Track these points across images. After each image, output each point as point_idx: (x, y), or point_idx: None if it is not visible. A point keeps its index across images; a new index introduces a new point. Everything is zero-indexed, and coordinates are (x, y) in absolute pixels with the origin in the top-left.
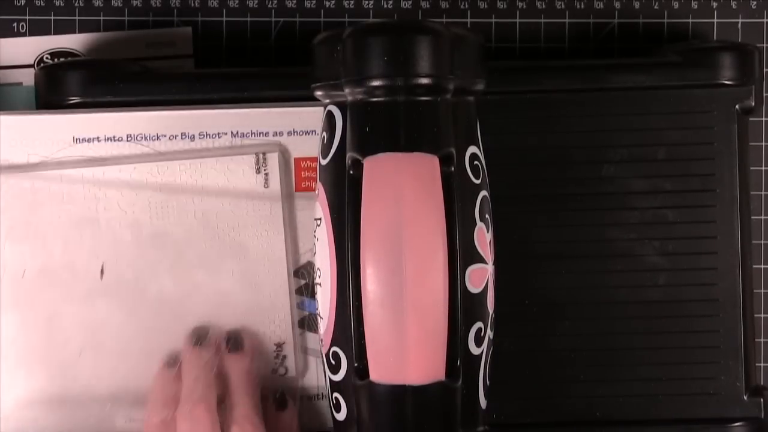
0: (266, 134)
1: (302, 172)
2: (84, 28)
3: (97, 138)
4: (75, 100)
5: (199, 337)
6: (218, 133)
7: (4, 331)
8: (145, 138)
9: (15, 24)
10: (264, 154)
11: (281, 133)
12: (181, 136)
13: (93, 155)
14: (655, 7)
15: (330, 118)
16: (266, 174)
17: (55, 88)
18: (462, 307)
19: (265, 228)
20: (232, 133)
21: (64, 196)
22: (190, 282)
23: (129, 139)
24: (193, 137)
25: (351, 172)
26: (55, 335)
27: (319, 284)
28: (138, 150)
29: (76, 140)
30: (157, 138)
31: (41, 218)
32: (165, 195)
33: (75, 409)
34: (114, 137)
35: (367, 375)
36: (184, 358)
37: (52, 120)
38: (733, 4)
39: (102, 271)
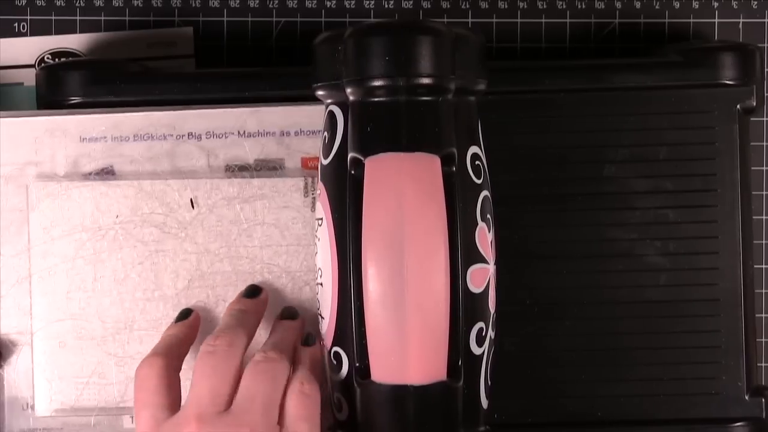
0: (273, 134)
1: None
2: (85, 28)
3: (105, 138)
4: (76, 100)
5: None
6: (225, 133)
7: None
8: (153, 138)
9: (16, 24)
10: (313, 178)
11: (288, 133)
12: (188, 135)
13: (103, 156)
14: (656, 7)
15: (331, 117)
16: (313, 198)
17: (55, 88)
18: (463, 307)
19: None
20: (239, 132)
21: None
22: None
23: (136, 138)
24: (200, 137)
25: (352, 171)
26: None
27: (321, 284)
28: (147, 149)
29: (82, 140)
30: (164, 138)
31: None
32: (210, 212)
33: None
34: (121, 137)
35: (369, 375)
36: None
37: (57, 120)
38: (735, 4)
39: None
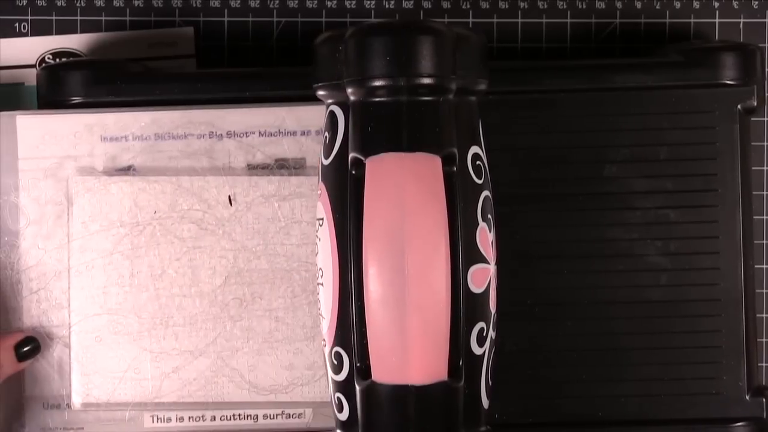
0: (294, 133)
1: None
2: (86, 28)
3: (144, 134)
4: (77, 100)
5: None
6: (264, 131)
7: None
8: (192, 134)
9: (17, 24)
10: None
11: (308, 132)
12: (227, 133)
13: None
14: (657, 7)
15: (332, 118)
16: None
17: (56, 88)
18: (464, 307)
19: None
20: (259, 132)
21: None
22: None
23: (157, 138)
24: (239, 134)
25: (353, 171)
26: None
27: (322, 284)
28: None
29: (121, 135)
30: (185, 137)
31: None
32: (248, 210)
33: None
34: (160, 133)
35: (370, 375)
36: None
37: (97, 116)
38: (735, 4)
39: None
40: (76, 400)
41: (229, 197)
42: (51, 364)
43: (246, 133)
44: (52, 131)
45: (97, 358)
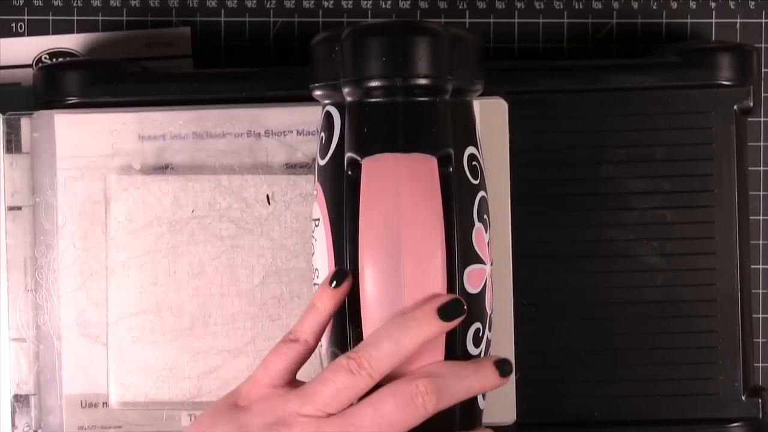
0: None
1: None
2: (82, 28)
3: (163, 135)
4: (73, 100)
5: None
6: (284, 132)
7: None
8: (231, 133)
9: (13, 24)
10: None
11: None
12: (247, 134)
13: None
14: (654, 7)
15: (328, 118)
16: None
17: (53, 88)
18: None
19: None
20: (297, 131)
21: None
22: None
23: (195, 136)
24: (259, 135)
25: (349, 172)
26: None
27: (317, 285)
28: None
29: (161, 134)
30: (223, 136)
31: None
32: (286, 208)
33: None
34: (199, 132)
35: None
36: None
37: (136, 115)
38: (732, 5)
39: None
40: (114, 399)
41: (267, 196)
42: (89, 363)
43: (285, 131)
44: (90, 130)
45: (134, 357)
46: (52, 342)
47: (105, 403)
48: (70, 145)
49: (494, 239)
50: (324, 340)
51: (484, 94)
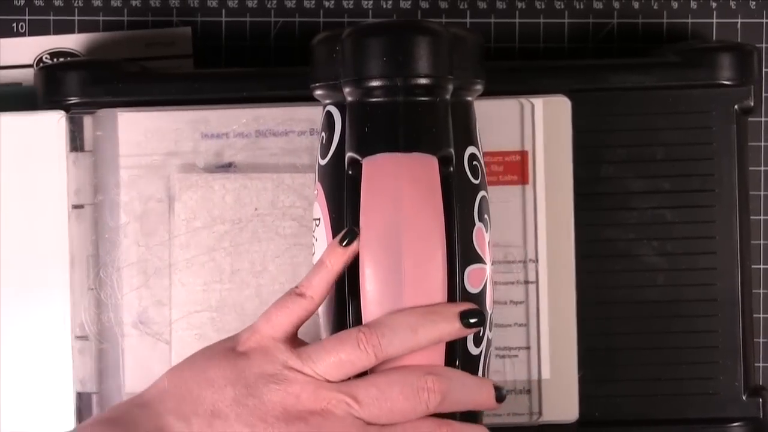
0: None
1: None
2: (83, 28)
3: (226, 134)
4: (74, 100)
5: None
6: None
7: None
8: (274, 134)
9: (14, 24)
10: None
11: None
12: (310, 132)
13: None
14: (655, 7)
15: (329, 118)
16: None
17: (54, 89)
18: None
19: None
20: None
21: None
22: None
23: (258, 134)
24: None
25: (350, 172)
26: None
27: None
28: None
29: (223, 132)
30: (285, 134)
31: None
32: None
33: None
34: (261, 130)
35: (366, 374)
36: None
37: (198, 113)
38: (733, 4)
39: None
40: None
41: None
42: (151, 362)
43: None
44: (154, 128)
45: None
46: (115, 340)
47: None
48: (133, 143)
49: (556, 238)
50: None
51: (538, 92)
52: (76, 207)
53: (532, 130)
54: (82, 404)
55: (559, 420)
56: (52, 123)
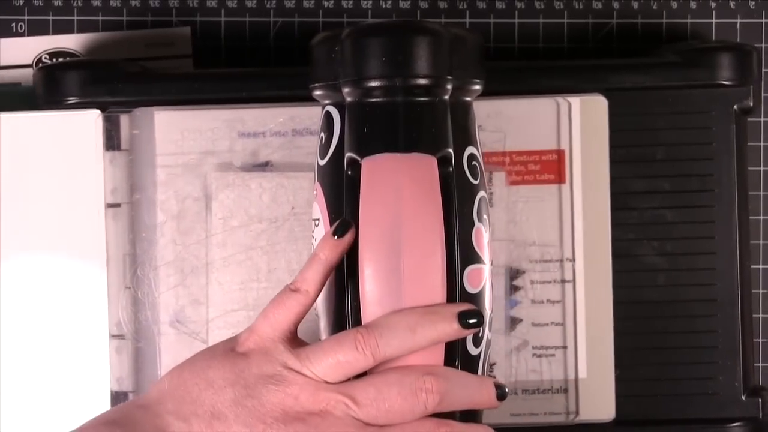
0: None
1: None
2: (82, 28)
3: (263, 133)
4: (73, 100)
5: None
6: None
7: None
8: (311, 133)
9: (13, 24)
10: (491, 173)
11: None
12: None
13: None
14: (654, 7)
15: (328, 118)
16: (491, 193)
17: (53, 89)
18: None
19: None
20: None
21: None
22: None
23: (294, 133)
24: None
25: (349, 172)
26: None
27: None
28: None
29: (260, 131)
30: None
31: None
32: None
33: None
34: (298, 129)
35: (366, 374)
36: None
37: (235, 112)
38: (732, 5)
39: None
40: None
41: None
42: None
43: None
44: (191, 127)
45: None
46: (151, 339)
47: None
48: (169, 142)
49: (593, 236)
50: (323, 339)
51: (575, 92)
52: (112, 206)
53: (569, 128)
54: (119, 403)
55: (595, 419)
56: (89, 122)
